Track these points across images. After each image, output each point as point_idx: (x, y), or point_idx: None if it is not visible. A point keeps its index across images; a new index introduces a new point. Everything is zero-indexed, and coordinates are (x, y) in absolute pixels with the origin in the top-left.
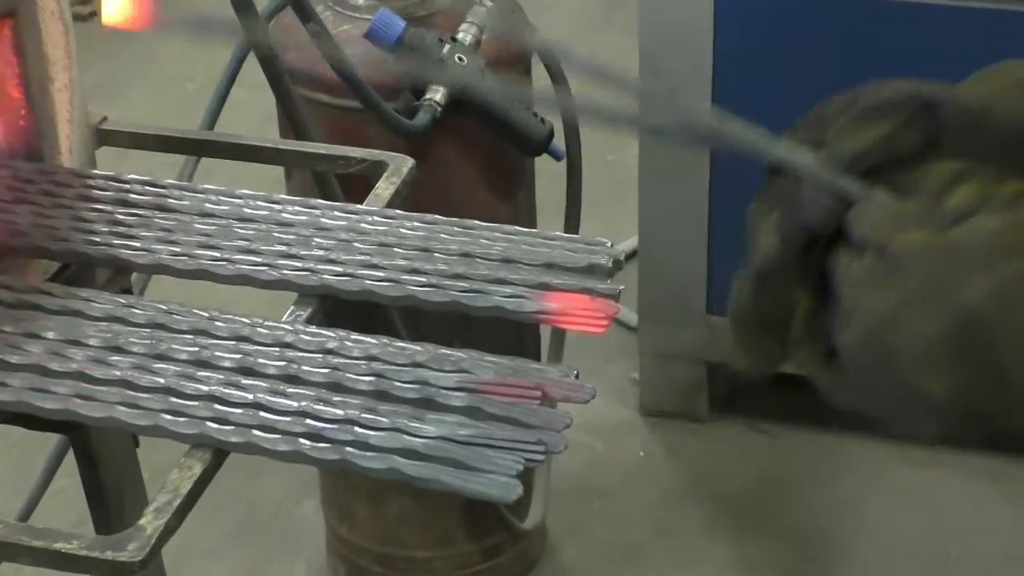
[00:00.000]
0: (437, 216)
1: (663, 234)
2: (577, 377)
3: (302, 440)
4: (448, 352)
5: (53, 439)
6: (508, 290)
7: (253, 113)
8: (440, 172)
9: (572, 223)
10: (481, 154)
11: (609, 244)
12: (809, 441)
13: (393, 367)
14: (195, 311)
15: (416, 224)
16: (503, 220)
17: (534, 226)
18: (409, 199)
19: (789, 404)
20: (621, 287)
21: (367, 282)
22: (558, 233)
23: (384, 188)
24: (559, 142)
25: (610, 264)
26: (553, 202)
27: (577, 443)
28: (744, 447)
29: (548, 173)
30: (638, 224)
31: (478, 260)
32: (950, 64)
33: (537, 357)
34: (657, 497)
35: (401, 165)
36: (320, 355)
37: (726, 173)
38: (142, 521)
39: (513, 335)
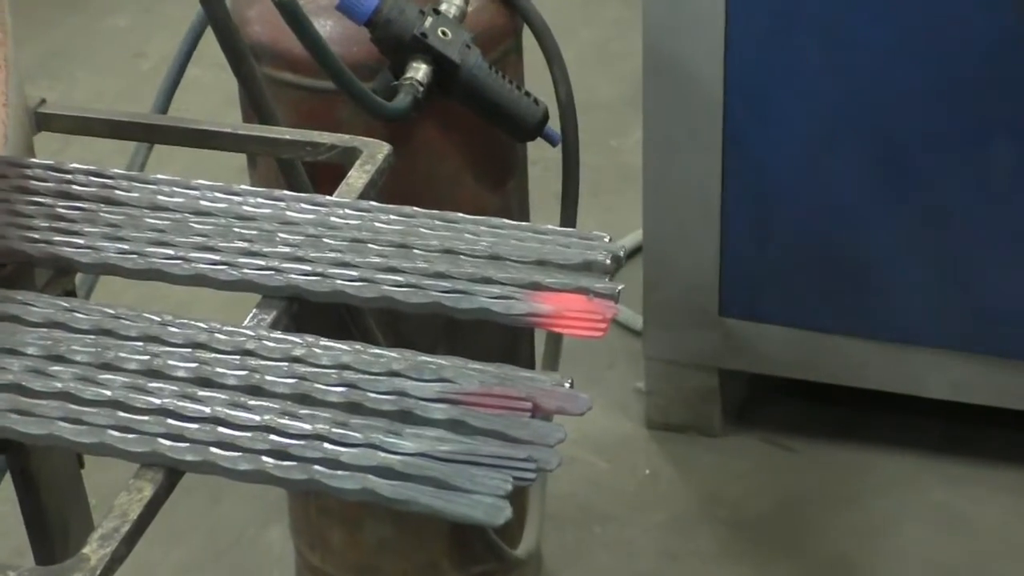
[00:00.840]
0: (416, 208)
1: (671, 227)
2: (572, 386)
3: (265, 458)
4: (428, 359)
5: None
6: (495, 290)
7: (212, 94)
8: (421, 160)
9: (568, 215)
10: (467, 139)
11: (607, 238)
12: (834, 457)
13: (367, 376)
14: (146, 315)
15: (393, 217)
16: (492, 212)
17: (526, 219)
18: (386, 190)
19: (811, 415)
20: (620, 286)
21: (338, 282)
22: (551, 227)
23: (357, 177)
24: (555, 125)
25: (608, 260)
26: (548, 193)
27: (576, 460)
28: (762, 464)
29: (543, 160)
30: (642, 216)
31: (462, 257)
32: (978, 31)
33: (531, 365)
34: (665, 520)
35: (376, 152)
36: (285, 363)
37: (740, 159)
38: (86, 550)
39: (503, 341)
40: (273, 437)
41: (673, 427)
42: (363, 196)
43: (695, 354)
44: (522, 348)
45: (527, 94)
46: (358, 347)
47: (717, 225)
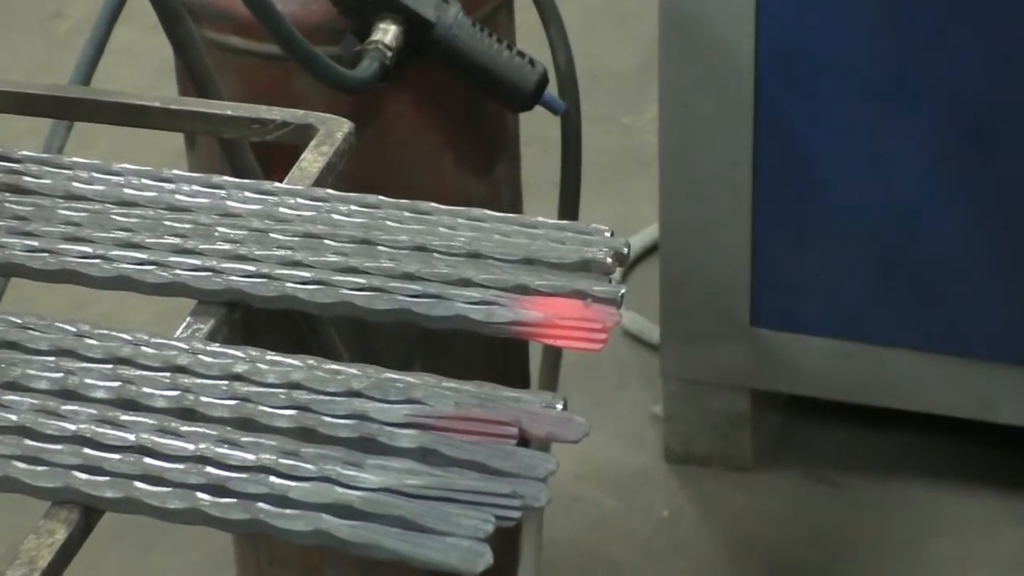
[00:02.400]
0: (382, 197)
1: (693, 220)
2: (565, 407)
3: (200, 494)
4: (394, 377)
5: None
6: (475, 294)
7: (143, 63)
8: (392, 139)
9: (568, 207)
10: (448, 114)
11: (609, 232)
12: (888, 493)
13: (321, 397)
14: (59, 325)
15: (354, 208)
16: (477, 203)
17: (519, 210)
18: (348, 175)
19: (860, 445)
20: (623, 289)
21: (288, 285)
22: (541, 219)
23: (312, 160)
24: (555, 91)
25: (610, 258)
26: (546, 180)
27: (579, 499)
28: (802, 502)
29: (541, 140)
30: (659, 207)
31: (436, 255)
32: None
33: (524, 384)
34: (686, 570)
35: (335, 130)
36: (225, 382)
37: (776, 139)
38: None
39: (491, 356)
40: (209, 469)
41: (696, 459)
42: (319, 182)
43: (722, 372)
44: (514, 365)
45: (520, 54)
46: (311, 362)
47: (749, 217)
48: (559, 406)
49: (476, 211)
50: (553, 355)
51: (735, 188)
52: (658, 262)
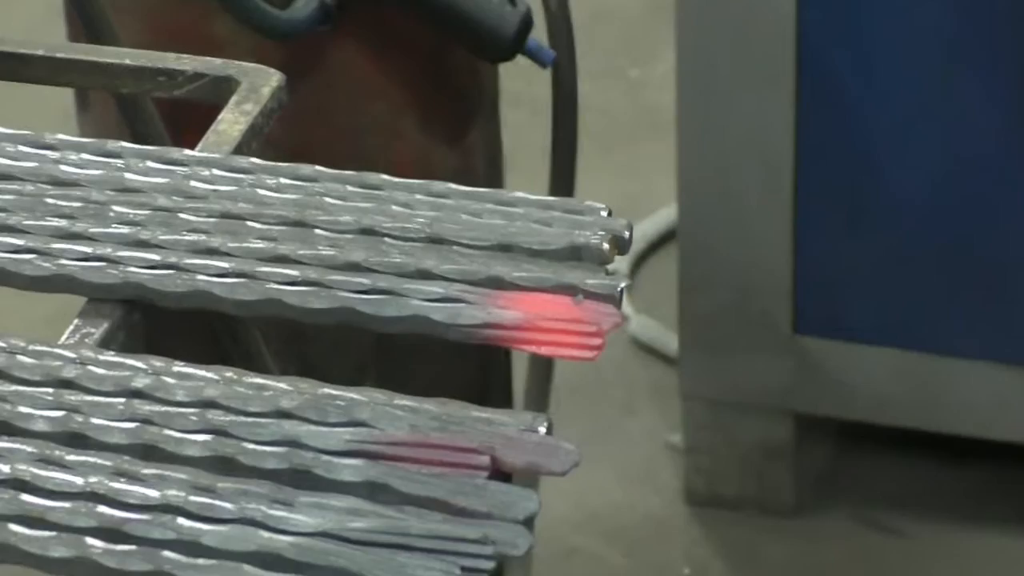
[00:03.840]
0: (320, 168)
1: (719, 200)
2: (550, 431)
3: (91, 540)
4: (334, 392)
5: None
6: (436, 289)
7: (27, 2)
8: (335, 96)
9: (561, 182)
10: (406, 64)
11: (605, 211)
12: (958, 541)
13: (243, 419)
14: None
15: (284, 182)
16: (446, 176)
17: (498, 184)
18: (278, 141)
19: (926, 482)
20: (623, 283)
21: (200, 278)
22: (521, 194)
23: (232, 121)
24: (543, 37)
25: (605, 244)
26: (536, 148)
27: (578, 552)
28: (855, 552)
29: (529, 99)
30: (677, 184)
31: (388, 240)
32: None
33: (507, 403)
34: None
35: (261, 83)
36: (121, 399)
37: (823, 100)
38: None
39: (463, 370)
40: (102, 509)
41: (725, 502)
42: (241, 149)
43: (757, 391)
44: (493, 381)
45: None
46: (230, 375)
47: (790, 199)
48: (542, 429)
49: (438, 185)
50: (542, 369)
51: (773, 161)
52: (675, 253)
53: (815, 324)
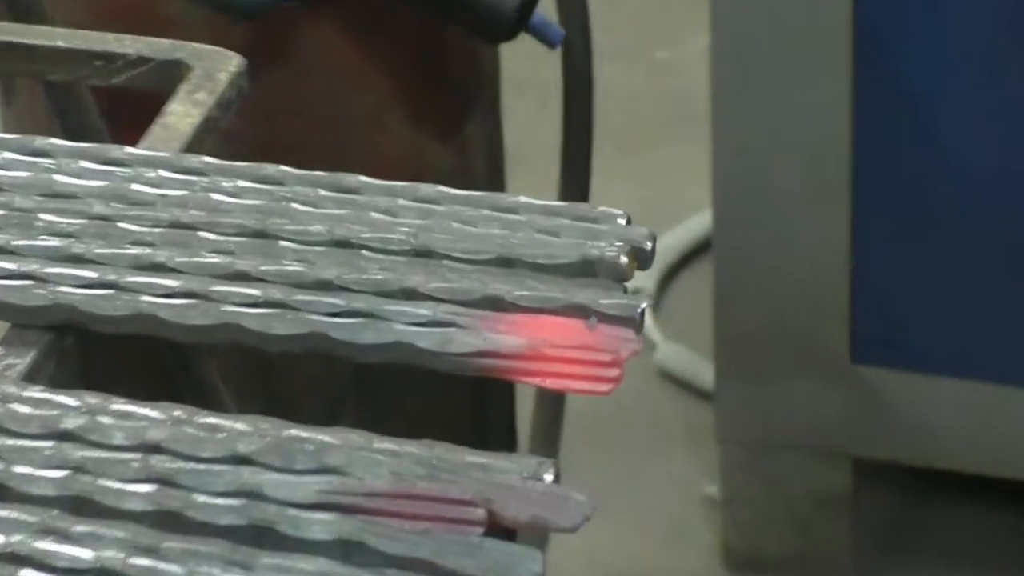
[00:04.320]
0: (286, 168)
1: (763, 206)
2: (557, 479)
3: None
4: (302, 435)
5: None
6: (424, 311)
7: None
8: (308, 84)
9: (575, 184)
10: (392, 47)
11: (623, 219)
12: None
13: (193, 465)
14: None
15: (245, 184)
16: (438, 177)
17: (498, 187)
18: (239, 136)
19: (1003, 536)
20: (644, 303)
21: (145, 299)
22: (525, 199)
23: (183, 114)
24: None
25: (623, 257)
26: (546, 147)
27: None
28: None
29: (535, 86)
30: (712, 187)
31: (367, 253)
32: None
33: (508, 445)
34: None
35: (217, 68)
36: (50, 443)
37: (886, 87)
38: None
39: (457, 406)
40: (26, 573)
41: (768, 563)
42: (193, 147)
43: (808, 431)
44: (493, 419)
45: None
46: (178, 414)
47: (846, 204)
48: (548, 476)
49: (427, 188)
50: (551, 405)
51: (825, 161)
52: (709, 268)
53: (876, 351)
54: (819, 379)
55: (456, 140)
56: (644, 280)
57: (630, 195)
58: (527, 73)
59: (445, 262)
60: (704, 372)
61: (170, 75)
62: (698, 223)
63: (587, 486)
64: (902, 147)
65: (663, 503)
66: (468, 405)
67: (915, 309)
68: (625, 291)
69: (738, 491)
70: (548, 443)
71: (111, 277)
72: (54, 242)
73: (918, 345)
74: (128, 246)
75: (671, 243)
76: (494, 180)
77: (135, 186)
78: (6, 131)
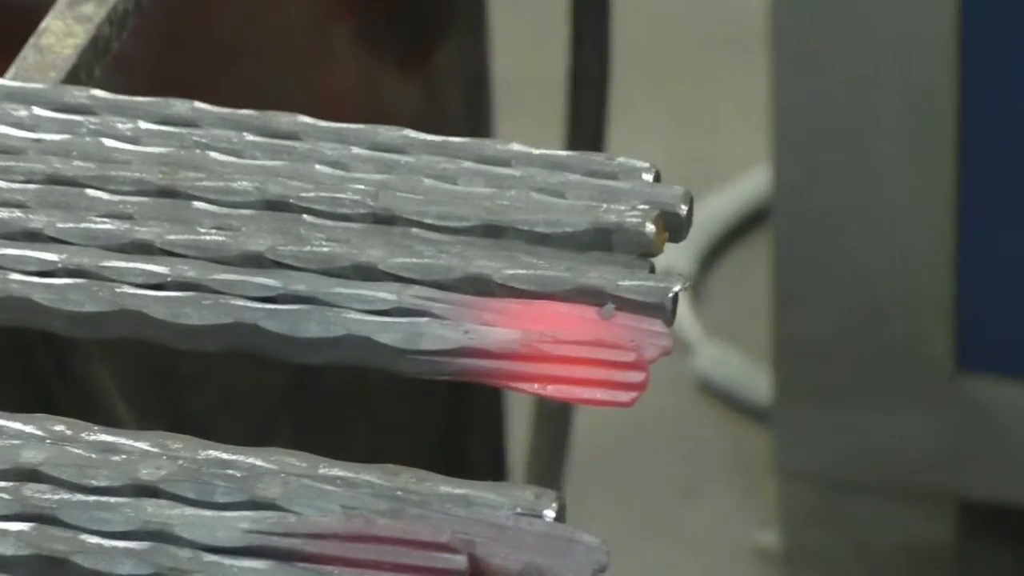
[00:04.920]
0: (203, 105)
1: (836, 163)
2: (561, 516)
3: None
4: (225, 456)
5: None
6: (385, 295)
7: None
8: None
9: (585, 127)
10: None
11: (649, 173)
12: None
13: (81, 497)
14: None
15: (147, 127)
16: (402, 117)
17: (484, 132)
18: (140, 64)
19: None
20: (678, 286)
21: (15, 278)
22: (518, 147)
23: (63, 33)
24: None
25: (649, 223)
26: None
27: None
28: None
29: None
30: (770, 135)
31: (309, 218)
32: None
33: (497, 472)
34: None
35: None
36: None
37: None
38: None
39: (430, 416)
40: None
41: None
42: (77, 77)
43: (898, 467)
44: (476, 437)
45: None
46: (60, 428)
47: (952, 168)
48: (549, 513)
49: (388, 132)
50: (554, 423)
51: (925, 110)
52: (767, 246)
53: (990, 358)
54: (913, 396)
55: (425, 70)
56: (679, 258)
57: (661, 145)
58: None
59: (413, 230)
60: (758, 384)
61: None
62: (752, 184)
63: (602, 531)
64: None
65: (702, 555)
66: (444, 421)
67: None
68: (652, 269)
69: (803, 542)
70: (549, 473)
71: None
72: None
73: None
74: None
75: (716, 210)
76: (476, 123)
77: (1, 129)
78: None
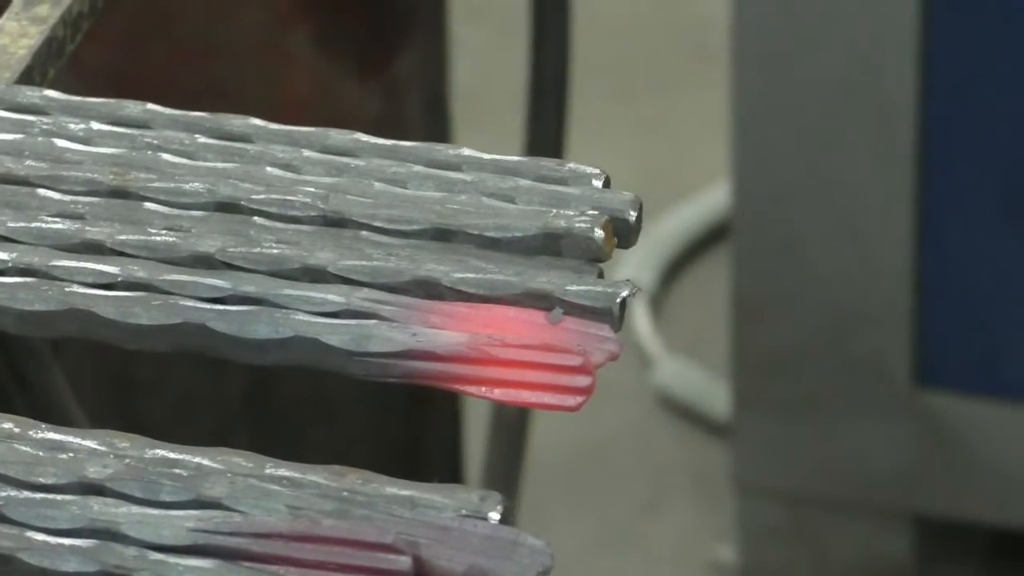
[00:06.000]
0: (156, 107)
1: (797, 174)
2: (506, 518)
3: None
4: (171, 455)
5: None
6: (335, 296)
7: None
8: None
9: (543, 137)
10: None
11: (598, 178)
12: None
13: (27, 495)
14: None
15: (100, 128)
16: (359, 122)
17: (441, 138)
18: (96, 67)
19: None
20: (626, 291)
21: None
22: (469, 151)
23: (17, 34)
24: None
25: (598, 229)
26: (505, 86)
27: None
28: None
29: (499, 10)
30: (730, 149)
31: (260, 220)
32: None
33: (452, 473)
34: None
35: None
36: None
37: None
38: None
39: (385, 424)
40: None
41: None
42: (29, 77)
43: (858, 483)
44: (427, 441)
45: None
46: (8, 427)
47: (910, 167)
48: (493, 515)
49: (340, 136)
50: (509, 429)
51: (886, 125)
52: (727, 258)
53: (950, 373)
54: (873, 412)
55: (384, 75)
56: (640, 271)
57: (622, 158)
58: None
59: (363, 233)
60: (718, 399)
61: None
62: (713, 198)
63: (562, 544)
64: (989, 100)
65: (662, 570)
66: (402, 432)
67: (1005, 316)
68: (600, 275)
69: (761, 557)
70: (504, 482)
71: None
72: None
73: (1008, 365)
74: None
75: (677, 224)
76: (434, 129)
77: None
78: None
